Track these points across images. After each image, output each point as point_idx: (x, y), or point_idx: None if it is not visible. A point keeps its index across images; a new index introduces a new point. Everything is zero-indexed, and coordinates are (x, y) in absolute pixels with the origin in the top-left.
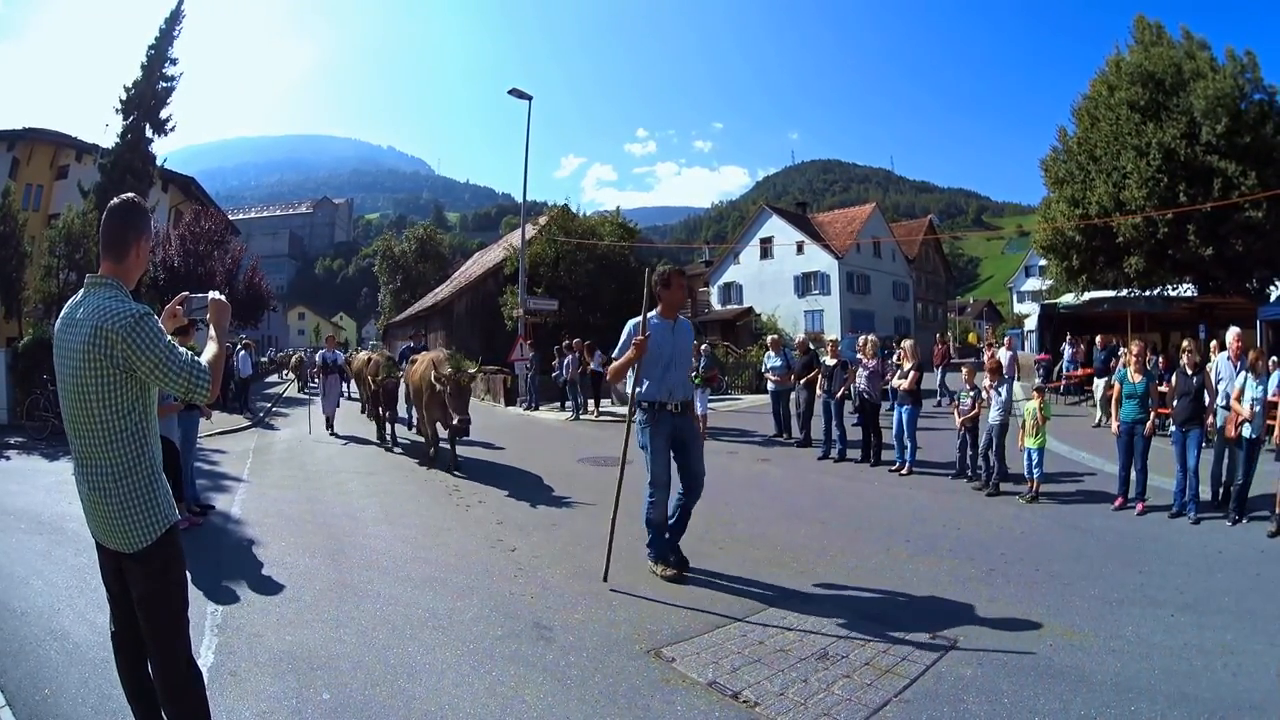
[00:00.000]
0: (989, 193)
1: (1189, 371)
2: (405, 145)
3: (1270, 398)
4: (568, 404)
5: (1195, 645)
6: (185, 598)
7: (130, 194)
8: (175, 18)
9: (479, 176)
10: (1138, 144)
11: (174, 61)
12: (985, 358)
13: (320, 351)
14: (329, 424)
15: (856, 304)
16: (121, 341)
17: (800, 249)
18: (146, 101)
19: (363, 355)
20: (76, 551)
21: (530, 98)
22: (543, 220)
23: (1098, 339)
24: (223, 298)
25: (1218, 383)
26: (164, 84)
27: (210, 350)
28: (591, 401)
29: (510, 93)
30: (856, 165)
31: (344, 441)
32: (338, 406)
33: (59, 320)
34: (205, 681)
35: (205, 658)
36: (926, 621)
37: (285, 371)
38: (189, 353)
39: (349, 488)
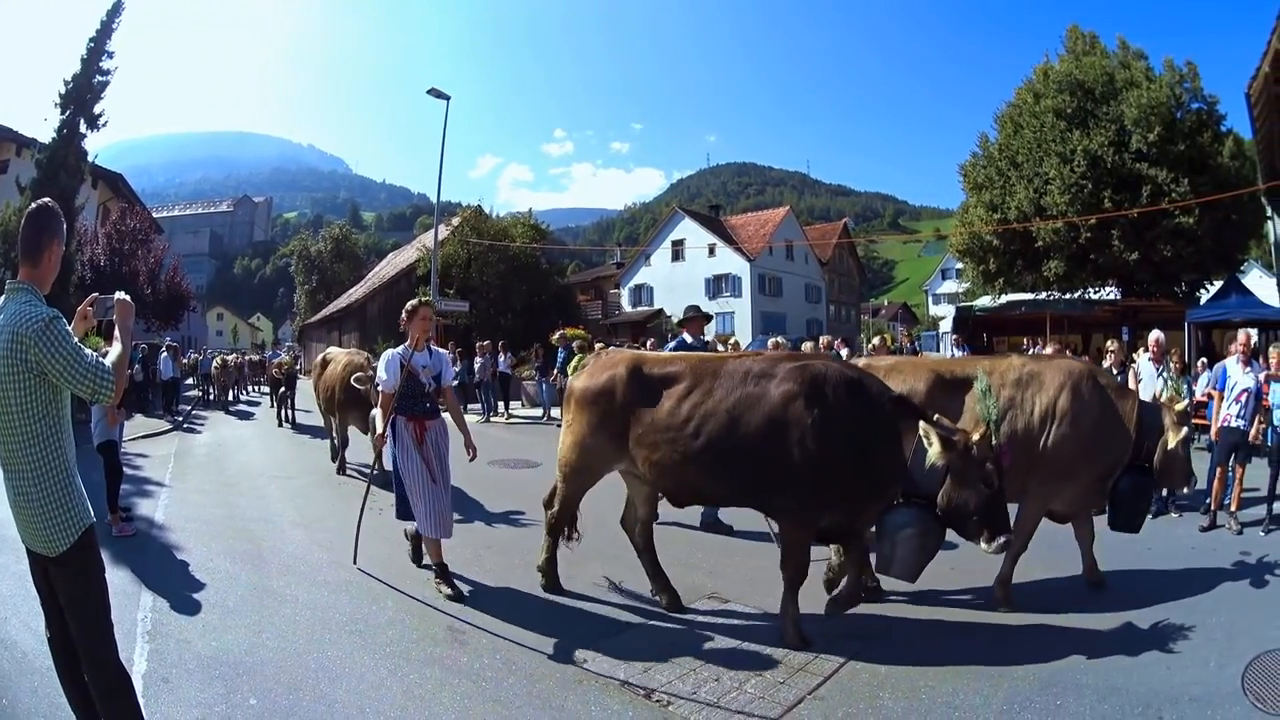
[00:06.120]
0: (906, 196)
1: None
2: (326, 144)
3: (1199, 397)
4: (475, 406)
5: (1128, 639)
6: (106, 601)
7: (45, 199)
8: (116, 9)
9: (396, 176)
10: (1062, 150)
11: (110, 55)
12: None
13: (394, 352)
14: (423, 552)
15: (768, 306)
16: (34, 345)
17: (712, 251)
18: (83, 95)
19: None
20: (18, 559)
21: (449, 98)
22: (456, 221)
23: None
24: (128, 298)
25: (1138, 384)
26: (100, 78)
27: (114, 351)
28: (501, 404)
29: (429, 92)
30: (772, 168)
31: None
32: (448, 509)
33: None
34: (136, 685)
35: (139, 664)
36: (843, 619)
37: (201, 379)
38: (95, 355)
39: (267, 492)
